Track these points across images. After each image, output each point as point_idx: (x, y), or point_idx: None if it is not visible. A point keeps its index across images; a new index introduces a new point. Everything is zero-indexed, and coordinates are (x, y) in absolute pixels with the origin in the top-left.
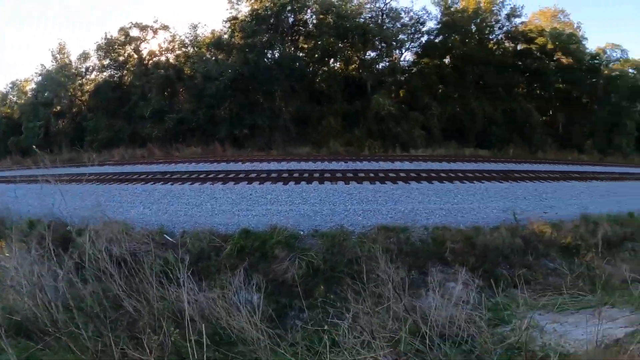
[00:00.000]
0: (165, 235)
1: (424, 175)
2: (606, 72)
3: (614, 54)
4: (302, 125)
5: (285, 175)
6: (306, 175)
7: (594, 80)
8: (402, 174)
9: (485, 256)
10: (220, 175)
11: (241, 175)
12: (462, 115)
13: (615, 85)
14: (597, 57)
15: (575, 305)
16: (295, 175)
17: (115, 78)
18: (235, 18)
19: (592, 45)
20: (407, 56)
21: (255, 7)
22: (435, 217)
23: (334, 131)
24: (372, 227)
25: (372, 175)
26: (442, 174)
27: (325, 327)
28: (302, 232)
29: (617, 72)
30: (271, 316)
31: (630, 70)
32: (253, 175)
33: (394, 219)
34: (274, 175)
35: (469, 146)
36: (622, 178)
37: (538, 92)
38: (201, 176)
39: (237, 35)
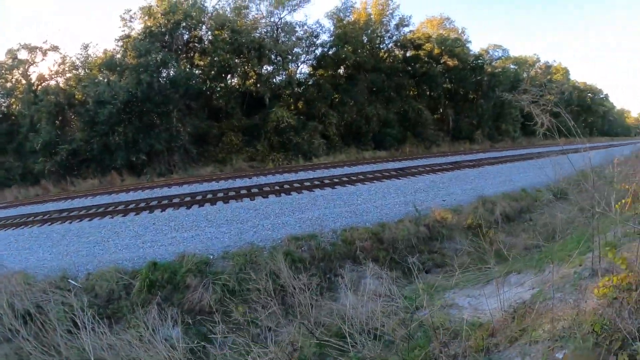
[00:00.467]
0: (69, 281)
1: (327, 182)
2: (489, 69)
3: (496, 53)
4: (203, 144)
5: (187, 199)
6: (210, 196)
7: (478, 77)
8: (306, 183)
9: (395, 248)
10: (119, 207)
11: (142, 205)
12: (358, 121)
13: (499, 80)
14: (481, 57)
15: (485, 279)
16: (198, 197)
17: (3, 107)
18: (128, 36)
19: (476, 47)
20: (304, 68)
21: (149, 24)
22: (342, 220)
23: (235, 148)
24: (282, 239)
25: (277, 188)
26: (344, 179)
27: (250, 349)
28: (212, 256)
29: (499, 69)
30: (192, 349)
31: (512, 66)
32: (154, 203)
33: (303, 227)
34: (176, 200)
35: (368, 149)
36: (512, 160)
37: (428, 93)
38: (100, 210)
39: (130, 55)
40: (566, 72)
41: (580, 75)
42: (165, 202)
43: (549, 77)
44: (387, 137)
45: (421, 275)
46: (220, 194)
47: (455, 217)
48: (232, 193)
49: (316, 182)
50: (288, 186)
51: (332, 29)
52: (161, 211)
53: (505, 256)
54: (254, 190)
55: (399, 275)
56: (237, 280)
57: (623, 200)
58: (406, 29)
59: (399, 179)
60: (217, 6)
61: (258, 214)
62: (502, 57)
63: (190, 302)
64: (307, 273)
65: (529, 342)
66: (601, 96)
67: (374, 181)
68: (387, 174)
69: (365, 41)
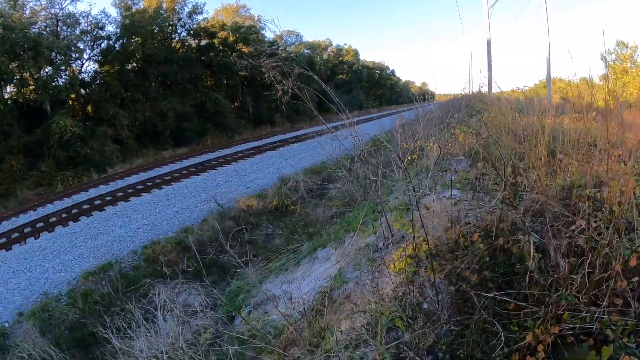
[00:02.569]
0: None
1: (119, 195)
2: (284, 54)
3: (290, 39)
4: None
5: None
6: None
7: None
8: (97, 202)
9: (203, 252)
10: None
11: None
12: (153, 118)
13: (292, 64)
14: (275, 43)
15: (295, 259)
16: None
17: None
18: None
19: (270, 34)
20: (89, 66)
21: None
22: (141, 236)
23: (17, 174)
24: (77, 280)
25: (64, 216)
26: (140, 187)
27: None
28: (7, 324)
29: (294, 54)
30: None
31: (306, 51)
32: None
33: (98, 257)
34: None
35: (167, 148)
36: (311, 137)
37: (225, 82)
38: None
39: None
40: (356, 53)
41: (369, 55)
42: None
43: (340, 58)
44: (186, 131)
45: (239, 272)
46: (2, 239)
47: (260, 202)
48: (15, 234)
49: (108, 198)
50: (76, 210)
51: (118, 18)
52: None
53: (312, 232)
54: (39, 224)
55: (216, 279)
56: (41, 345)
57: (409, 157)
58: (200, 17)
59: (198, 175)
60: None
61: (46, 254)
62: (297, 43)
63: None
64: (112, 309)
65: (325, 354)
66: (388, 72)
67: (172, 183)
68: (186, 171)
69: (156, 31)
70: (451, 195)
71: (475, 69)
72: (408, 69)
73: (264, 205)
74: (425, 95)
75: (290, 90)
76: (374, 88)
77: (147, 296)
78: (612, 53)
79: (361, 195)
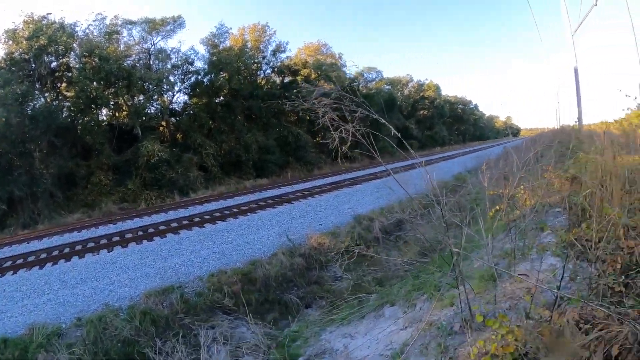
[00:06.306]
0: None
1: (196, 220)
2: (365, 91)
3: (371, 75)
4: (70, 187)
5: (43, 255)
6: (67, 250)
7: (354, 99)
8: (173, 225)
9: (268, 287)
10: None
11: None
12: (237, 149)
13: (373, 101)
14: (356, 80)
15: (361, 312)
16: (55, 253)
17: None
18: None
19: (352, 70)
20: (179, 97)
21: (12, 50)
22: (210, 264)
23: (105, 188)
24: (139, 297)
25: (140, 233)
26: (217, 214)
27: None
28: (64, 325)
29: (374, 90)
30: None
31: (386, 87)
32: (8, 264)
33: (164, 279)
34: (31, 258)
35: (249, 178)
36: (389, 173)
37: (307, 117)
38: None
39: None
40: (437, 88)
41: (450, 89)
42: (21, 261)
43: (421, 94)
44: (268, 164)
45: (301, 312)
46: (79, 247)
47: (332, 240)
48: (91, 244)
49: (184, 222)
50: (153, 229)
51: (206, 55)
52: (13, 274)
53: (382, 280)
54: (115, 238)
55: (277, 317)
56: (92, 352)
57: (497, 207)
58: (283, 55)
59: (275, 207)
60: (87, 30)
61: (115, 267)
62: (377, 79)
63: None
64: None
65: None
66: (471, 106)
67: (248, 213)
68: (264, 203)
69: (241, 68)
70: (550, 264)
71: (562, 96)
72: (490, 102)
73: (335, 244)
74: (509, 131)
75: (351, 133)
76: (456, 123)
77: (206, 322)
78: None
79: (438, 245)
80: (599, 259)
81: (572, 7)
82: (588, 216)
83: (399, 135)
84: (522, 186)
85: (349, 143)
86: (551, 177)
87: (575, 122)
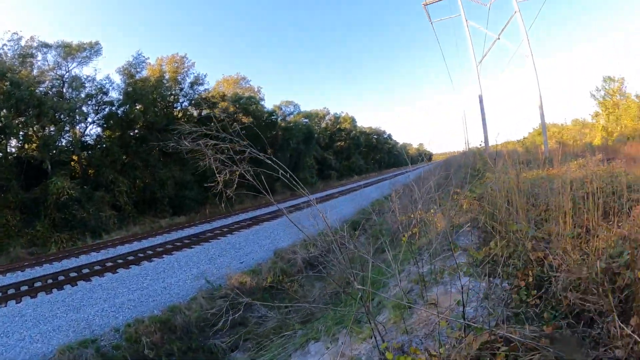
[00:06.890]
0: None
1: (108, 265)
2: (283, 124)
3: (289, 109)
4: None
5: None
6: None
7: (273, 132)
8: (84, 270)
9: (190, 333)
10: None
11: None
12: (152, 186)
13: (292, 134)
14: (274, 114)
15: (286, 351)
16: None
17: None
18: None
19: (270, 104)
20: (92, 129)
21: None
22: (125, 312)
23: (13, 230)
24: (53, 353)
25: (50, 281)
26: (130, 257)
27: None
28: None
29: (292, 123)
30: None
31: (304, 120)
32: None
33: (78, 331)
34: None
35: (165, 216)
36: (309, 204)
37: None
38: None
39: None
40: (352, 120)
41: (366, 121)
42: None
43: (338, 126)
44: (185, 200)
45: (227, 357)
46: None
47: (254, 278)
48: None
49: (97, 268)
50: (63, 277)
51: (122, 86)
52: None
53: (307, 315)
54: (23, 287)
55: None
56: None
57: (409, 232)
58: (201, 88)
59: (192, 247)
60: (1, 51)
61: (25, 320)
62: (295, 113)
63: None
64: None
65: None
66: (385, 136)
67: (163, 255)
68: (180, 243)
69: (158, 99)
70: (461, 286)
71: (469, 124)
72: (403, 131)
73: (257, 282)
74: (422, 157)
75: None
76: (372, 153)
77: None
78: (600, 90)
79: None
80: (510, 275)
81: (477, 43)
82: (498, 232)
83: (289, 175)
84: (432, 210)
85: (234, 186)
86: (459, 198)
87: (481, 143)
